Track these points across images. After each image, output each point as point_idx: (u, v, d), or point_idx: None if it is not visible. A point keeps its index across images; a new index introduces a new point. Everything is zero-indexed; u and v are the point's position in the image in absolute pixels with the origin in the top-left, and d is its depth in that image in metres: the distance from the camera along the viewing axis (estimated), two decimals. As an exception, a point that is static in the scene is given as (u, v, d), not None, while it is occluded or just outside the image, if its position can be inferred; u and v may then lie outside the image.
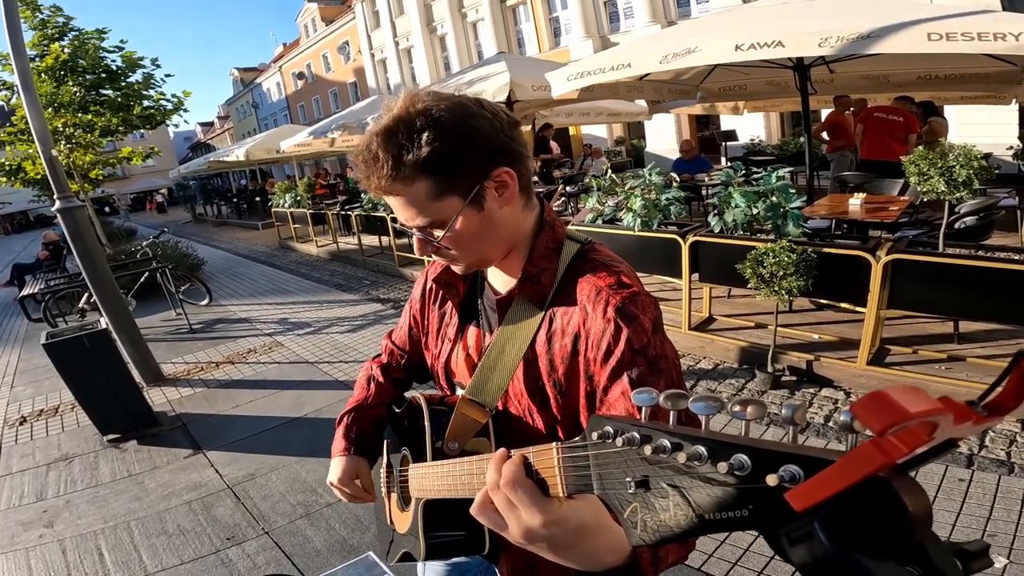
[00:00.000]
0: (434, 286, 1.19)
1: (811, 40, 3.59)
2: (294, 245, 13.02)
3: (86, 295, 7.15)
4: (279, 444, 3.90)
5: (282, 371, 5.33)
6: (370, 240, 10.24)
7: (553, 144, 11.57)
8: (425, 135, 0.85)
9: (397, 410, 1.28)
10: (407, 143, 0.85)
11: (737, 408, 0.46)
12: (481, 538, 1.00)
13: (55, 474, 3.90)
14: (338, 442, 1.27)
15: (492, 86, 6.25)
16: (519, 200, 0.98)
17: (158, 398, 4.92)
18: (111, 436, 4.21)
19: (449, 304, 1.16)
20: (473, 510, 0.70)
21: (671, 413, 0.53)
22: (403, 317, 1.34)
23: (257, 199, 20.64)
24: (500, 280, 1.07)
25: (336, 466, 1.25)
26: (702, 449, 0.46)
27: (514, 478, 0.66)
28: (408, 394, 1.33)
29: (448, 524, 1.03)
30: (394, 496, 1.26)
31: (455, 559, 1.33)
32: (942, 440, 0.34)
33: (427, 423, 1.05)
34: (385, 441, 1.31)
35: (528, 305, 0.99)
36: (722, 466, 0.44)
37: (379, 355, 1.40)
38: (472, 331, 1.12)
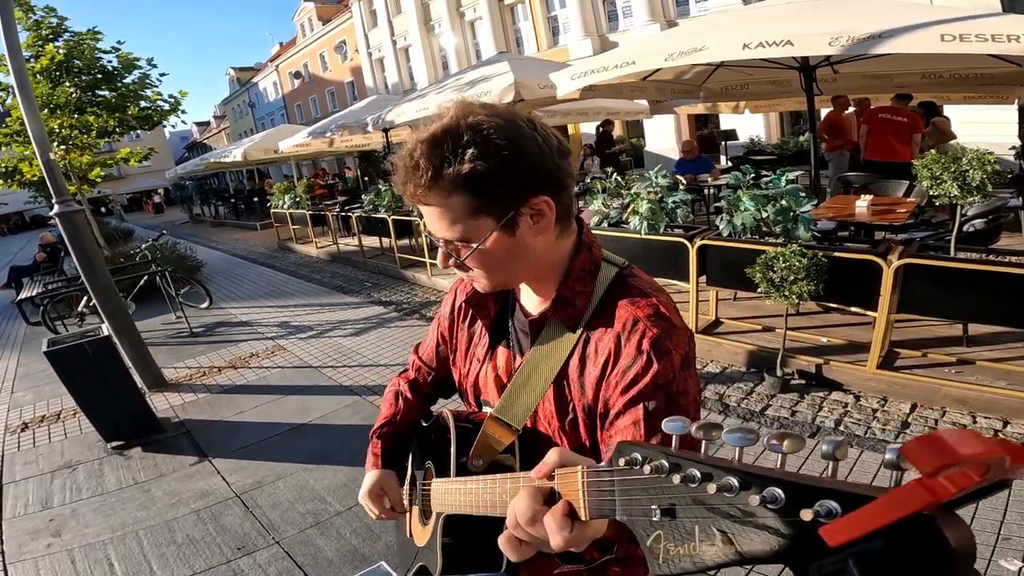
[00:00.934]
0: (464, 305, 1.17)
1: (821, 40, 3.57)
2: (293, 246, 12.97)
3: (85, 298, 7.09)
4: (285, 451, 3.86)
5: (285, 376, 5.29)
6: (371, 241, 10.20)
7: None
8: (470, 151, 0.83)
9: (424, 424, 1.28)
10: (451, 156, 0.84)
11: (774, 441, 0.45)
12: (498, 556, 0.98)
13: (60, 482, 3.86)
14: (369, 459, 1.30)
15: (497, 87, 6.21)
16: (554, 230, 0.95)
17: (161, 404, 4.87)
18: (115, 443, 4.17)
19: (479, 324, 1.15)
20: (500, 543, 0.71)
21: (702, 443, 0.52)
22: (430, 333, 1.32)
23: (255, 199, 20.57)
24: (532, 301, 1.06)
25: (365, 481, 1.27)
26: (733, 480, 0.45)
27: (533, 517, 0.66)
28: (435, 408, 1.33)
29: (467, 541, 1.03)
30: (415, 509, 1.27)
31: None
32: (993, 481, 0.34)
33: (453, 438, 1.06)
34: (410, 454, 1.31)
35: (561, 327, 0.98)
36: (754, 499, 0.43)
37: (406, 370, 1.40)
38: (502, 351, 1.11)
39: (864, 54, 3.94)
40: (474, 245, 0.90)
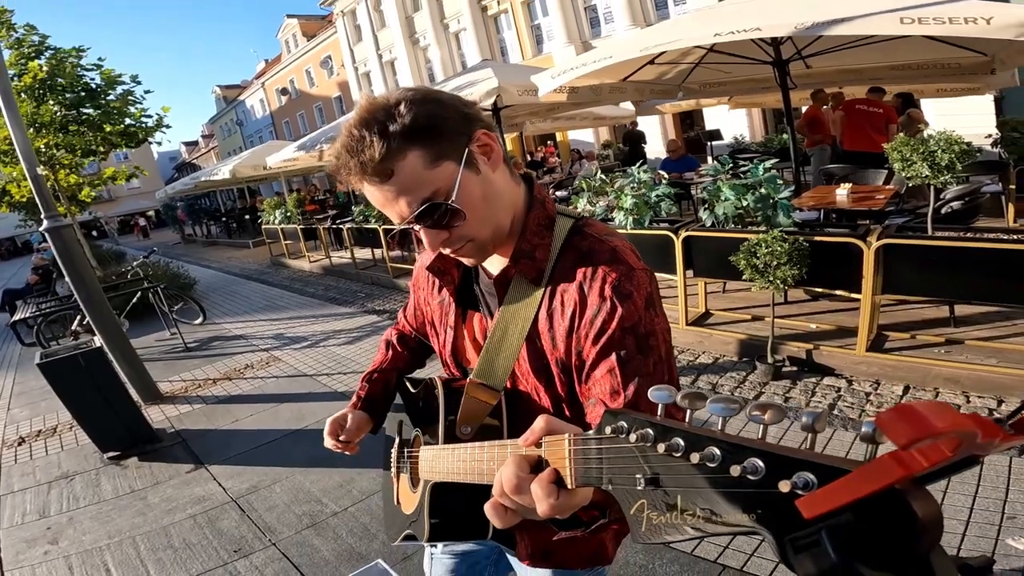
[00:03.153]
0: (429, 275, 1.18)
1: (787, 25, 3.67)
2: (286, 262, 12.97)
3: (79, 317, 7.11)
4: (281, 456, 3.88)
5: (280, 385, 5.31)
6: (363, 254, 10.23)
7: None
8: (402, 107, 0.86)
9: (413, 390, 1.28)
10: (387, 119, 0.85)
11: (756, 412, 0.45)
12: (485, 523, 0.99)
13: (57, 492, 3.88)
14: (352, 398, 1.33)
15: (479, 91, 6.30)
16: (504, 167, 0.98)
17: (157, 416, 4.88)
18: (111, 453, 4.19)
19: (445, 292, 1.15)
20: (486, 510, 0.71)
21: (687, 412, 0.53)
22: (411, 296, 1.35)
23: (246, 217, 20.58)
24: (494, 262, 1.06)
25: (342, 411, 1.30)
26: (716, 450, 0.46)
27: (519, 485, 0.67)
28: (424, 375, 1.33)
29: (454, 508, 1.02)
30: (403, 476, 1.27)
31: (464, 548, 1.35)
32: (964, 456, 0.33)
33: (441, 405, 1.05)
34: (399, 422, 1.33)
35: (526, 284, 0.99)
36: (735, 469, 0.43)
37: (397, 323, 1.44)
38: (476, 317, 1.12)
39: (831, 45, 4.02)
40: (454, 194, 0.89)
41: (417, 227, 0.92)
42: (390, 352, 1.39)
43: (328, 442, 1.26)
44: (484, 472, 0.85)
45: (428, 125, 0.86)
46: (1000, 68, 5.59)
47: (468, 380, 1.05)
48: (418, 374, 1.41)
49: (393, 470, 1.31)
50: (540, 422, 0.70)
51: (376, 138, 0.85)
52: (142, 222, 39.78)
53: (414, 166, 0.87)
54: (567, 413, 1.01)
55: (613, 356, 0.90)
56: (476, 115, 0.94)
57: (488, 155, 0.93)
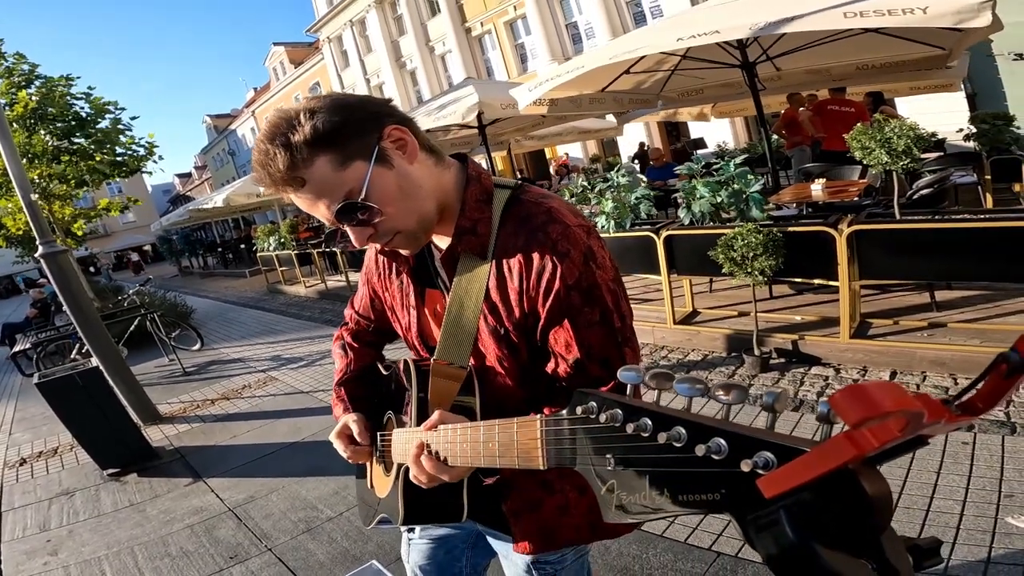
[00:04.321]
0: (383, 259, 1.20)
1: (742, 27, 3.83)
2: (283, 288, 13.03)
3: (78, 346, 7.18)
4: (278, 468, 3.94)
5: (278, 402, 5.37)
6: (357, 276, 10.28)
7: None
8: (302, 116, 0.89)
9: (384, 372, 1.29)
10: (289, 130, 0.88)
11: (720, 393, 0.47)
12: (460, 506, 1.02)
13: (57, 507, 3.95)
14: (338, 407, 1.31)
15: (462, 108, 6.46)
16: (427, 158, 1.00)
17: (156, 435, 4.95)
18: (111, 470, 4.25)
19: (403, 274, 1.16)
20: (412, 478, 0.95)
21: (656, 392, 0.53)
22: (361, 286, 1.34)
23: (242, 247, 20.70)
24: (442, 239, 1.07)
25: (337, 425, 1.28)
26: (682, 430, 0.46)
27: (416, 457, 0.93)
28: (393, 358, 1.32)
29: (428, 490, 1.01)
30: (376, 460, 1.27)
31: (441, 532, 1.34)
32: (913, 436, 0.34)
33: (414, 387, 1.05)
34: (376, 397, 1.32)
35: (473, 258, 1.02)
36: (700, 448, 0.44)
37: (346, 323, 1.41)
38: (434, 294, 1.13)
39: (794, 45, 4.17)
40: (364, 191, 0.91)
41: (343, 226, 0.94)
42: (350, 353, 1.36)
43: (348, 453, 1.25)
44: (456, 453, 0.88)
45: (331, 130, 0.89)
46: (952, 59, 5.76)
47: (432, 361, 1.06)
48: (390, 353, 1.38)
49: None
50: (435, 415, 0.92)
51: (280, 151, 0.87)
52: (135, 257, 39.48)
53: (323, 171, 0.89)
54: (531, 379, 1.04)
55: (562, 312, 0.95)
56: (387, 111, 0.97)
57: (403, 148, 0.96)
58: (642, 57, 4.90)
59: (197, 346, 8.40)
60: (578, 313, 0.95)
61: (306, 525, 3.17)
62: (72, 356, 7.45)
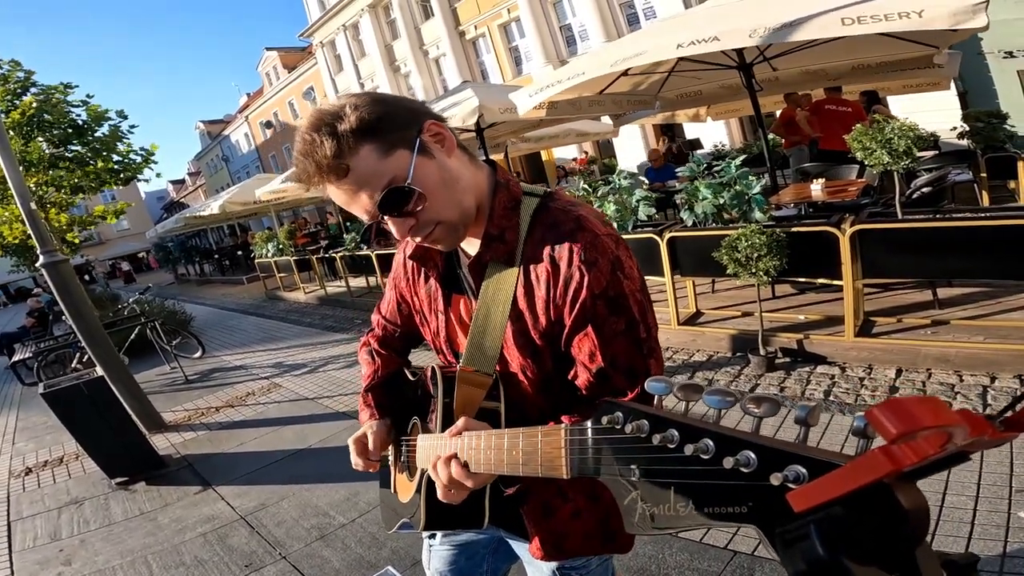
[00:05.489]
0: (412, 263, 1.19)
1: (742, 34, 3.87)
2: (282, 294, 13.00)
3: (78, 355, 7.16)
4: (287, 474, 3.95)
5: (282, 409, 5.37)
6: (358, 282, 10.30)
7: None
8: (347, 108, 0.92)
9: (412, 378, 1.29)
10: (335, 120, 0.90)
11: (750, 405, 0.46)
12: (481, 512, 1.03)
13: (67, 516, 3.95)
14: (364, 412, 1.31)
15: (462, 112, 6.46)
16: (462, 154, 1.02)
17: (162, 443, 4.96)
18: (119, 479, 4.26)
19: (432, 279, 1.17)
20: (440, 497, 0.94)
21: (684, 404, 0.53)
22: (388, 291, 1.35)
23: (239, 253, 20.65)
24: (471, 245, 1.08)
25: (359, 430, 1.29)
26: (710, 442, 0.46)
27: (450, 483, 0.93)
28: (420, 364, 1.33)
29: None
30: (400, 464, 1.28)
31: (463, 539, 1.34)
32: (953, 452, 0.34)
33: (440, 392, 1.06)
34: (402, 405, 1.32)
35: (501, 265, 1.02)
36: (728, 461, 0.44)
37: (372, 329, 1.41)
38: (461, 300, 1.13)
39: (790, 46, 4.21)
40: (410, 177, 0.92)
41: (384, 218, 0.95)
42: (378, 359, 1.36)
43: (357, 462, 1.26)
44: (480, 460, 0.88)
45: (376, 119, 0.91)
46: (937, 57, 5.83)
47: (459, 367, 1.07)
48: (419, 360, 1.39)
49: (391, 460, 1.31)
50: (460, 422, 0.93)
51: (327, 139, 0.89)
52: (125, 267, 38.94)
53: (368, 159, 0.91)
54: (555, 387, 1.05)
55: (587, 321, 0.96)
56: (424, 109, 1.00)
57: (441, 142, 0.98)
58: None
59: (198, 354, 8.39)
60: (604, 322, 0.96)
61: (319, 532, 3.17)
62: (73, 365, 7.44)
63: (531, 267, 1.00)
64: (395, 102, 0.97)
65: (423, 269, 1.18)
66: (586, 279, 0.94)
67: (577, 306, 0.96)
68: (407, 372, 1.34)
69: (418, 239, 1.00)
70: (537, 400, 1.07)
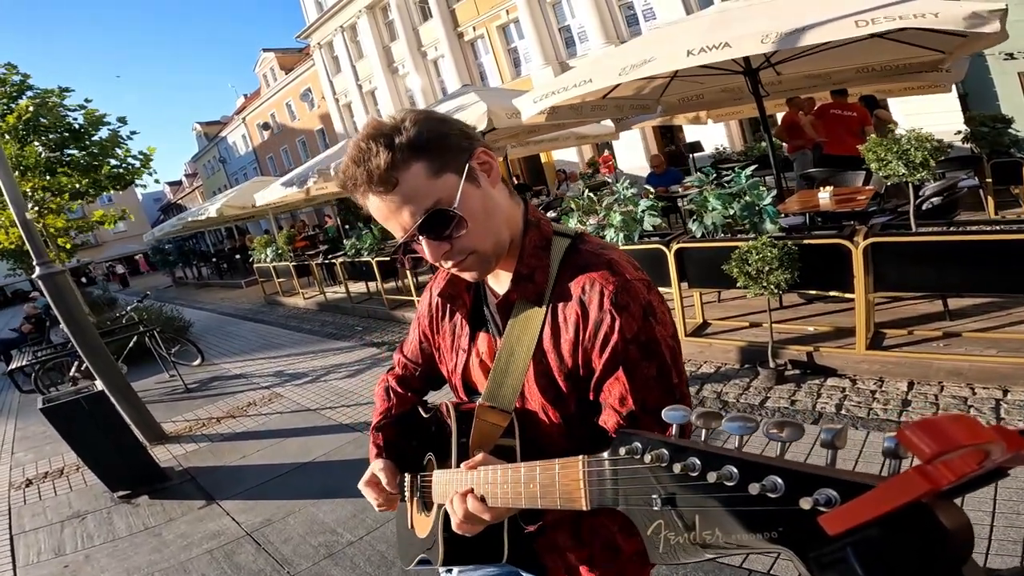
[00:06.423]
0: (440, 300, 1.19)
1: (754, 40, 3.83)
2: (281, 300, 12.93)
3: (76, 363, 7.09)
4: (292, 489, 3.89)
5: (284, 420, 5.32)
6: (357, 288, 10.24)
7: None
8: (407, 122, 0.92)
9: (425, 415, 1.29)
10: (394, 132, 0.91)
11: (774, 430, 0.45)
12: (500, 547, 1.01)
13: (70, 530, 3.89)
14: (371, 451, 1.31)
15: (470, 116, 6.40)
16: (503, 187, 1.02)
17: (163, 455, 4.89)
18: (121, 492, 4.20)
19: (458, 316, 1.17)
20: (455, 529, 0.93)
21: (703, 431, 0.52)
22: (412, 331, 1.34)
23: (237, 257, 20.54)
24: (499, 283, 1.08)
25: (367, 472, 1.28)
26: (733, 469, 0.46)
27: (466, 518, 0.92)
28: (435, 400, 1.33)
29: None
30: (416, 500, 1.28)
31: (479, 574, 1.31)
32: (991, 469, 0.33)
33: (454, 429, 1.06)
34: (411, 445, 1.32)
35: (528, 305, 1.02)
36: (754, 487, 0.43)
37: (393, 368, 1.41)
38: (483, 337, 1.13)
39: (795, 47, 4.17)
40: (456, 202, 0.92)
41: (419, 239, 0.94)
42: (393, 397, 1.36)
43: (377, 501, 1.26)
44: (497, 495, 0.87)
45: (431, 139, 0.92)
46: (948, 61, 5.81)
47: (478, 403, 1.06)
48: (431, 397, 1.40)
49: (407, 495, 1.30)
50: (479, 456, 0.92)
51: (384, 149, 0.90)
52: (120, 270, 38.67)
53: (418, 176, 0.91)
54: (576, 430, 1.03)
55: (618, 365, 0.94)
56: (476, 135, 1.01)
57: (488, 172, 0.99)
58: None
59: (198, 361, 8.32)
60: (635, 367, 0.94)
61: (327, 550, 3.12)
62: (71, 374, 7.37)
63: (560, 309, 0.99)
64: (452, 123, 0.98)
65: (449, 306, 1.18)
66: (617, 323, 0.93)
67: (608, 350, 0.94)
68: (420, 409, 1.33)
69: (448, 264, 0.99)
70: (559, 441, 1.05)
